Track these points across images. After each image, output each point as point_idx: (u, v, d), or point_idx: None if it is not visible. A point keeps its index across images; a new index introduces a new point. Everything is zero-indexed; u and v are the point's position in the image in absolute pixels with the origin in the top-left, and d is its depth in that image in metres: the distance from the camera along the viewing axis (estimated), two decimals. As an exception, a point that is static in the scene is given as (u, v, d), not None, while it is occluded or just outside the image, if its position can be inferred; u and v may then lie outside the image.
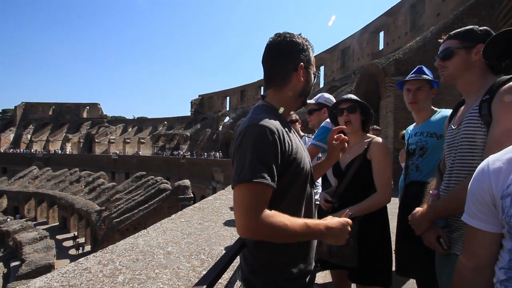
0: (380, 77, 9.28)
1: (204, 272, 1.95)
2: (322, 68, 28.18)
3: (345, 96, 1.61)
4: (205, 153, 30.86)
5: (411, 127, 1.80)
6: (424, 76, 1.61)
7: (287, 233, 0.75)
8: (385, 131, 8.39)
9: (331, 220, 0.84)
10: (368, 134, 1.61)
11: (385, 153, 1.50)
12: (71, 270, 1.71)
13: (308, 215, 0.89)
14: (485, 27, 1.09)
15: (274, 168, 0.77)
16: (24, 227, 19.43)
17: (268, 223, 0.74)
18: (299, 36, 0.92)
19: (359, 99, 1.58)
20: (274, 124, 0.81)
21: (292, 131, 0.92)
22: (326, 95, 2.20)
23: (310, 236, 0.82)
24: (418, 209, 1.17)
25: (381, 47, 22.39)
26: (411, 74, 1.66)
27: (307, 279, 0.90)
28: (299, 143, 0.91)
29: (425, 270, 1.33)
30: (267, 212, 0.75)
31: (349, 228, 0.85)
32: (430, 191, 1.15)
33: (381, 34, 22.30)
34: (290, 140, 0.84)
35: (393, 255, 1.56)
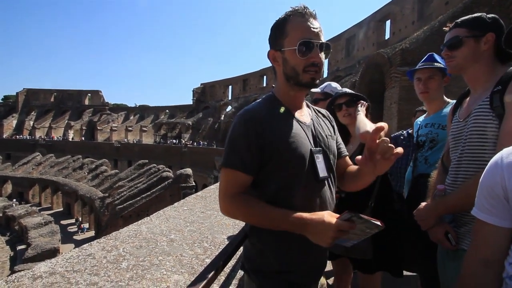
0: (386, 67, 9.12)
1: (207, 260, 1.99)
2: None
3: (339, 91, 1.60)
4: (206, 142, 30.92)
5: (421, 118, 1.75)
6: (436, 64, 1.53)
7: (255, 218, 0.81)
8: (389, 123, 8.32)
9: (317, 217, 0.75)
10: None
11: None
12: (75, 255, 1.74)
13: (308, 208, 0.80)
14: (493, 15, 1.03)
15: (246, 155, 0.81)
16: (29, 212, 19.78)
17: (236, 206, 0.82)
18: (286, 12, 0.84)
19: (354, 92, 1.56)
20: (253, 112, 0.85)
21: (292, 117, 0.88)
22: (333, 84, 2.13)
23: (288, 227, 0.78)
24: (423, 204, 1.16)
25: (387, 36, 21.91)
26: (422, 62, 1.60)
27: (301, 278, 0.86)
28: (297, 131, 0.85)
29: (428, 264, 1.33)
30: (238, 195, 0.82)
31: (334, 233, 0.72)
32: (437, 186, 1.13)
33: (388, 23, 21.78)
34: (275, 128, 0.83)
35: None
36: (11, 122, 41.89)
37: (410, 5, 19.14)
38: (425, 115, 1.72)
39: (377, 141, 0.73)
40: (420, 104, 2.55)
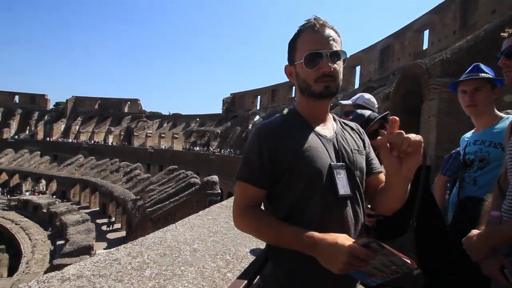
0: (424, 78, 8.60)
1: (229, 274, 1.94)
2: (358, 68, 27.02)
3: (372, 115, 1.48)
4: (231, 150, 31.33)
5: (469, 134, 1.57)
6: (482, 74, 1.38)
7: (265, 233, 0.80)
8: (427, 137, 7.77)
9: (330, 238, 0.69)
10: None
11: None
12: (102, 259, 1.79)
13: (326, 228, 0.73)
14: None
15: (258, 168, 0.80)
16: (69, 210, 21.41)
17: (246, 219, 0.81)
18: (299, 26, 0.84)
19: (380, 116, 1.45)
20: (269, 126, 0.84)
21: (310, 130, 0.84)
22: (366, 95, 2.00)
23: (298, 246, 0.73)
24: (474, 231, 1.02)
25: (425, 46, 20.83)
26: (466, 73, 1.45)
27: None
28: (314, 145, 0.81)
29: None
30: (249, 209, 0.81)
31: (347, 257, 0.64)
32: (491, 212, 0.99)
33: (426, 32, 20.73)
34: (290, 141, 0.81)
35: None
36: (60, 126, 46.15)
37: (452, 14, 18.07)
38: (473, 130, 1.54)
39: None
40: (464, 117, 2.33)
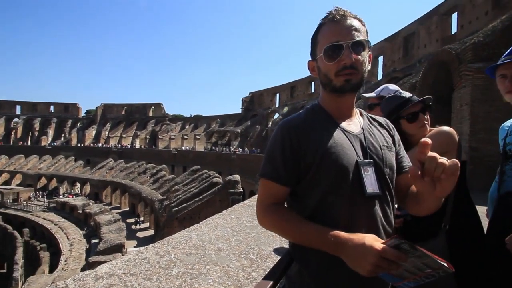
0: (454, 65, 8.05)
1: (253, 274, 1.94)
2: (381, 58, 25.89)
3: (406, 95, 1.38)
4: (252, 149, 31.45)
5: (509, 122, 1.43)
6: None
7: (288, 231, 0.78)
8: (459, 127, 7.28)
9: (357, 238, 0.66)
10: (431, 128, 1.36)
11: (443, 139, 1.25)
12: (132, 258, 1.86)
13: (353, 228, 0.71)
14: None
15: (281, 165, 0.78)
16: (102, 210, 22.65)
17: (269, 217, 0.79)
18: (320, 19, 0.82)
19: (423, 97, 1.35)
20: (292, 122, 0.82)
21: (335, 126, 0.81)
22: (391, 86, 1.90)
23: (322, 245, 0.70)
24: None
25: (453, 30, 19.51)
26: (506, 55, 1.31)
27: None
28: (340, 141, 0.78)
29: None
30: (273, 206, 0.80)
31: (375, 259, 0.60)
32: None
33: (454, 15, 19.38)
34: (314, 137, 0.78)
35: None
36: (91, 132, 49.02)
37: (483, -7, 16.75)
38: None
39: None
40: (501, 105, 2.13)
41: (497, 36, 7.32)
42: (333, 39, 0.76)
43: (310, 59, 0.86)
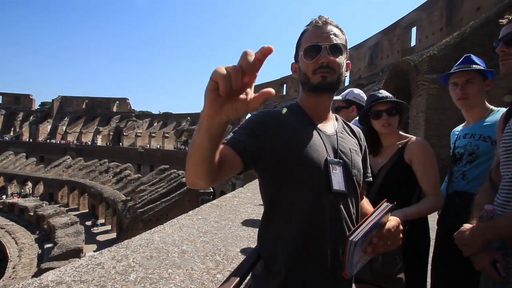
0: (412, 75, 8.73)
1: (218, 276, 1.89)
2: (348, 65, 27.20)
3: (379, 94, 1.44)
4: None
5: (459, 127, 1.55)
6: (475, 66, 1.35)
7: (190, 152, 0.64)
8: (415, 133, 7.89)
9: None
10: (403, 134, 1.43)
11: (429, 152, 1.33)
12: (84, 264, 1.71)
13: (317, 221, 0.76)
14: None
15: (241, 135, 0.76)
16: (57, 212, 20.87)
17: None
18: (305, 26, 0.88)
19: (397, 99, 1.40)
20: (269, 111, 0.85)
21: (311, 125, 0.84)
22: (356, 90, 2.00)
23: (200, 132, 0.58)
24: (467, 226, 1.00)
25: (413, 43, 21.17)
26: (457, 65, 1.43)
27: None
28: (311, 137, 0.81)
29: None
30: None
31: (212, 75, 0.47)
32: (485, 206, 0.97)
33: (413, 29, 21.05)
34: (288, 129, 0.80)
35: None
36: (46, 127, 44.89)
37: (439, 11, 18.40)
38: (463, 124, 1.52)
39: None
40: (451, 113, 2.32)
41: (450, 50, 8.08)
42: (313, 40, 0.81)
43: (293, 61, 0.90)
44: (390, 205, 0.74)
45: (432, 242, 1.44)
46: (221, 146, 0.69)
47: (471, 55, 1.39)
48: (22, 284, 1.37)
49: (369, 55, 25.13)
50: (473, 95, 1.36)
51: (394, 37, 22.42)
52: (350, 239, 0.66)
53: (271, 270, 0.78)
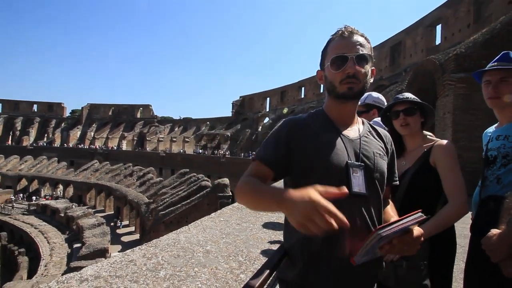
0: (437, 74, 8.37)
1: (242, 276, 1.93)
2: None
3: (400, 96, 1.44)
4: (242, 153, 31.44)
5: (491, 129, 1.48)
6: None
7: (248, 195, 0.79)
8: (442, 134, 7.55)
9: (298, 191, 0.63)
10: (430, 137, 1.41)
11: (451, 156, 1.31)
12: (118, 261, 1.82)
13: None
14: None
15: (272, 149, 0.85)
16: (85, 214, 21.94)
17: (241, 183, 0.81)
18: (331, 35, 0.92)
19: (417, 99, 1.39)
20: (293, 119, 0.91)
21: (334, 130, 0.88)
22: (374, 94, 1.99)
23: (268, 198, 0.71)
24: (494, 231, 0.97)
25: (437, 42, 20.29)
26: (493, 62, 1.36)
27: None
28: (333, 142, 0.84)
29: None
30: (250, 176, 0.82)
31: (308, 206, 0.58)
32: None
33: (438, 27, 20.19)
34: (311, 134, 0.85)
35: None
36: (76, 133, 47.60)
37: (465, 7, 17.54)
38: (496, 125, 1.45)
39: None
40: (481, 114, 2.22)
41: (478, 48, 7.68)
42: (340, 51, 0.85)
43: (319, 69, 0.95)
44: (424, 217, 0.75)
45: (464, 249, 1.39)
46: (259, 164, 0.84)
47: (510, 52, 1.32)
48: (65, 277, 1.49)
49: (391, 54, 24.39)
50: (506, 95, 1.29)
51: (418, 36, 21.62)
52: (379, 232, 0.68)
53: (291, 260, 0.83)
